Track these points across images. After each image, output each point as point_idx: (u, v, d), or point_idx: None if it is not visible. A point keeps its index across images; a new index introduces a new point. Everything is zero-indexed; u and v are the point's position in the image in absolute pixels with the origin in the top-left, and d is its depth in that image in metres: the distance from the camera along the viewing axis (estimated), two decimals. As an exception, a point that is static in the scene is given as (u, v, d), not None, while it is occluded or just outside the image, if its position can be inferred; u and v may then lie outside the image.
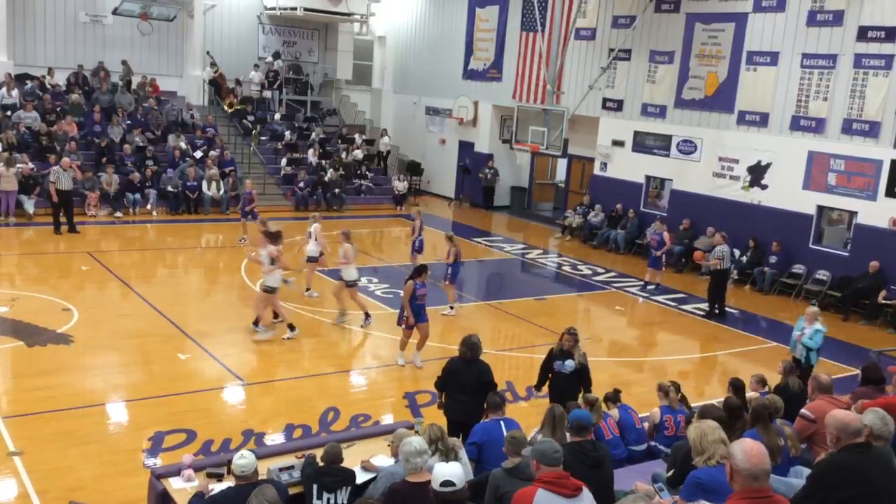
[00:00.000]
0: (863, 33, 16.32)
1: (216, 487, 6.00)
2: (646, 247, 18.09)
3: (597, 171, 22.53)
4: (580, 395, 8.09)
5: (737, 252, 17.78)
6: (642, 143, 21.03)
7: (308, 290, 14.54)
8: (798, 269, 17.55)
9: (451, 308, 14.17)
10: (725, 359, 13.40)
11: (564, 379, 8.48)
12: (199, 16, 25.03)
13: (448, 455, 6.01)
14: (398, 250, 18.81)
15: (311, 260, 14.37)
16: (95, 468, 7.97)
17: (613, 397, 8.34)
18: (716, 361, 13.32)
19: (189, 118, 23.99)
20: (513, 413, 8.02)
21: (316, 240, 14.24)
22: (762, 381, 8.40)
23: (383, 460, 6.57)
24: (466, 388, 8.01)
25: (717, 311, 15.34)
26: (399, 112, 29.47)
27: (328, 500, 5.92)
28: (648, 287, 16.99)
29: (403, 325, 11.40)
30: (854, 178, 16.63)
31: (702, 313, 15.55)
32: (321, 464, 6.08)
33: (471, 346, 8.16)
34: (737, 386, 7.92)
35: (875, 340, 14.30)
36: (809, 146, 17.30)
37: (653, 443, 8.17)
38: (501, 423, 6.94)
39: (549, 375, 8.73)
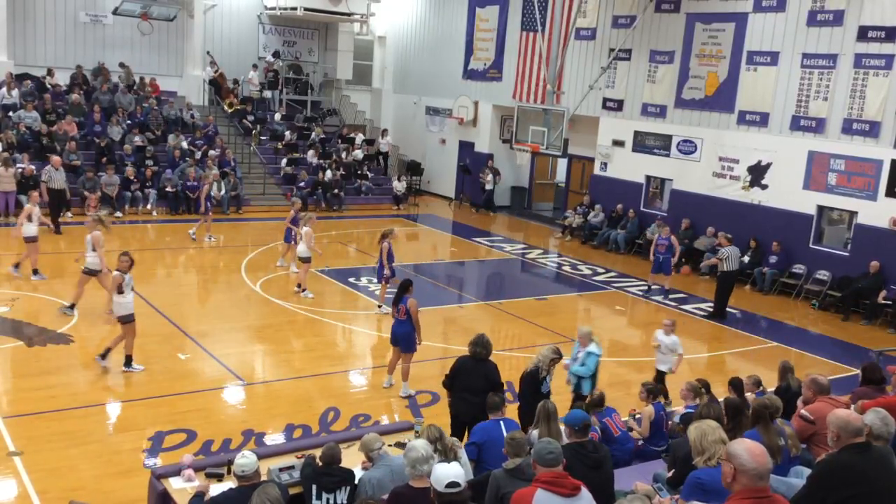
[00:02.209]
0: (863, 33, 16.31)
1: (216, 488, 6.00)
2: (647, 248, 18.00)
3: (597, 171, 22.53)
4: (587, 398, 8.05)
5: (739, 252, 17.69)
6: (642, 143, 21.03)
7: (302, 288, 14.58)
8: (798, 269, 17.54)
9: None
10: (726, 359, 13.40)
11: (542, 396, 8.30)
12: (199, 16, 25.05)
13: (447, 455, 6.01)
14: (398, 250, 18.76)
15: (305, 261, 14.45)
16: (95, 468, 7.97)
17: (598, 402, 8.07)
18: (716, 361, 13.31)
19: (189, 118, 23.99)
20: (513, 413, 8.03)
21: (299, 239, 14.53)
22: (757, 383, 8.38)
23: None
24: (475, 387, 7.95)
25: (717, 313, 15.30)
26: (399, 112, 29.46)
27: (327, 500, 5.92)
28: (666, 292, 16.64)
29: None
30: (854, 178, 16.63)
31: (703, 313, 15.56)
32: (320, 464, 6.09)
33: (484, 345, 8.21)
34: (736, 385, 7.91)
35: (875, 340, 14.31)
36: (809, 146, 17.30)
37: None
38: (501, 423, 6.94)
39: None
